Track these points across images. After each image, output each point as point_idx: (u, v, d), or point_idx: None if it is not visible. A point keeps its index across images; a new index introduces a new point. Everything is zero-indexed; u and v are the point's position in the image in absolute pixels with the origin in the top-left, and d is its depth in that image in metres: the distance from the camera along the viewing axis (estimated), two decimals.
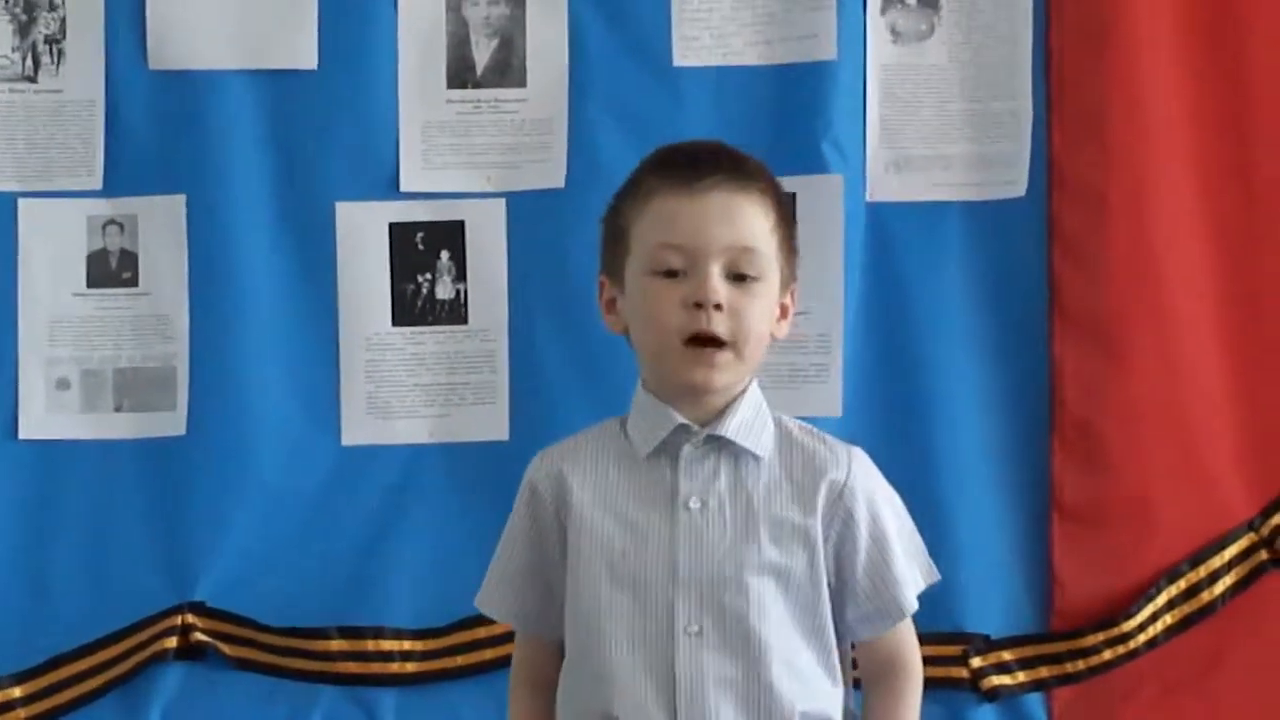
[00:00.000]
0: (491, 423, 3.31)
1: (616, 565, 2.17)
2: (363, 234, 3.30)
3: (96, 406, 3.30)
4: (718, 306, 2.13)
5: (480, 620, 3.09)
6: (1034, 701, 3.29)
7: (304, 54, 3.28)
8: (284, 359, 3.29)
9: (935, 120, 3.33)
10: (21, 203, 3.29)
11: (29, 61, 3.29)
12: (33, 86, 3.30)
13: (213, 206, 3.29)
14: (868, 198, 3.31)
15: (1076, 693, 3.29)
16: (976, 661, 3.27)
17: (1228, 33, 3.33)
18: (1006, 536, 3.31)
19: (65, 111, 3.29)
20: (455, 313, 3.32)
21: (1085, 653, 3.28)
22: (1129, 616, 3.27)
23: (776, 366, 3.22)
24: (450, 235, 3.31)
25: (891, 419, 3.28)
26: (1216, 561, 3.30)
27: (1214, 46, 3.32)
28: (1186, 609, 3.30)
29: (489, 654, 3.18)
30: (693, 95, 3.29)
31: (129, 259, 3.30)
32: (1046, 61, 3.32)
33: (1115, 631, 3.27)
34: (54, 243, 3.29)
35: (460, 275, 3.31)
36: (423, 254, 3.31)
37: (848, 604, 2.21)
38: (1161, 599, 3.29)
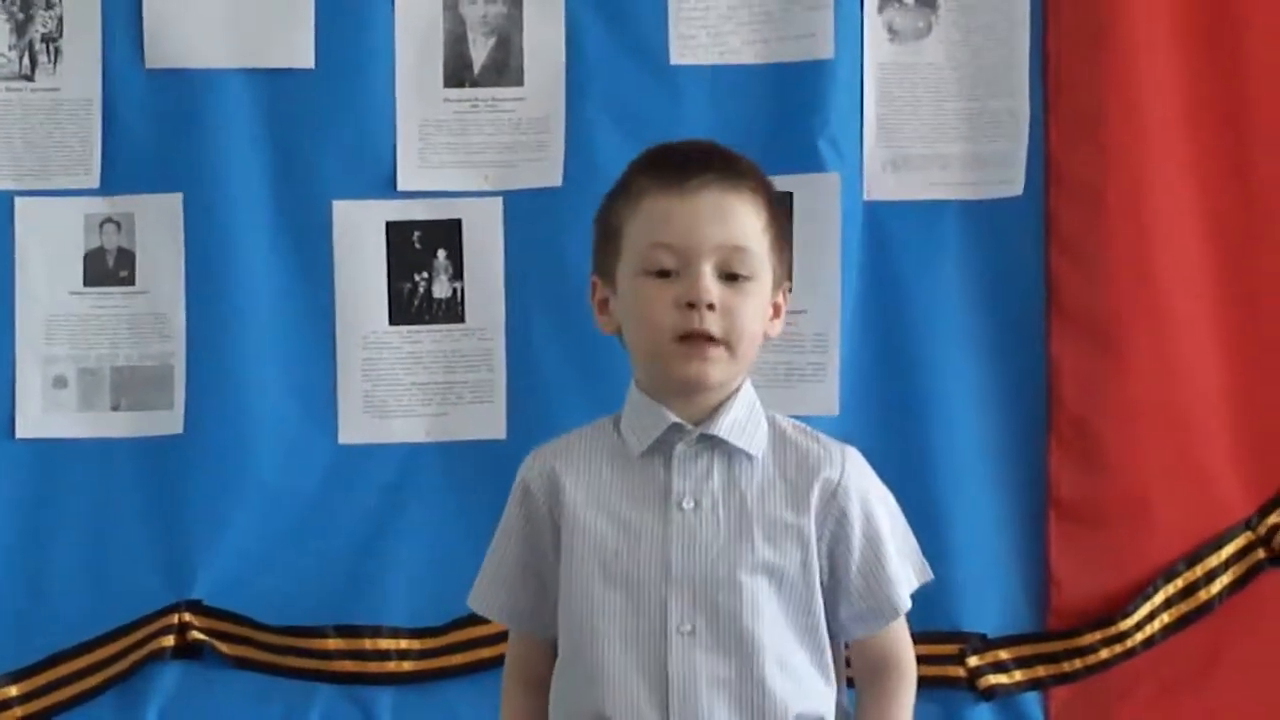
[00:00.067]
0: (489, 421, 3.31)
1: (609, 564, 2.17)
2: (360, 233, 3.30)
3: (93, 405, 3.30)
4: (710, 306, 2.13)
5: (477, 619, 3.07)
6: (1031, 700, 3.29)
7: (301, 53, 3.28)
8: (281, 358, 3.29)
9: (932, 119, 3.32)
10: (18, 201, 3.29)
11: (26, 60, 3.29)
12: (30, 85, 3.30)
13: (210, 205, 3.28)
14: (865, 196, 3.31)
15: (1073, 692, 3.29)
16: (973, 660, 3.26)
17: (1225, 32, 3.32)
18: (1003, 535, 3.31)
19: (62, 110, 3.29)
20: (452, 311, 3.32)
21: (1082, 652, 3.28)
22: (1126, 615, 3.27)
23: (773, 365, 3.23)
24: (447, 234, 3.31)
25: (889, 418, 3.28)
26: (1214, 560, 3.30)
27: (1211, 45, 3.32)
28: (1184, 608, 3.30)
29: (486, 653, 3.18)
30: (690, 94, 3.29)
31: (126, 257, 3.30)
32: (1044, 60, 3.32)
33: (1112, 630, 3.27)
34: (51, 241, 3.29)
35: (457, 274, 3.31)
36: (420, 253, 3.31)
37: (841, 603, 2.21)
38: (1159, 598, 3.28)
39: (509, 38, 3.31)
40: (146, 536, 3.27)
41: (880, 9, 3.32)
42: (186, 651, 3.24)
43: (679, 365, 2.15)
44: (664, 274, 2.15)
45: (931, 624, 3.17)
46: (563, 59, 3.31)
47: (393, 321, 3.31)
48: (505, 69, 3.32)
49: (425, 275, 3.31)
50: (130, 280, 3.30)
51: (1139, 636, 3.27)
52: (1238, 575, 3.31)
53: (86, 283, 3.30)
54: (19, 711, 3.22)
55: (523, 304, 3.31)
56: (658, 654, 2.14)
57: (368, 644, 3.25)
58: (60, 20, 3.29)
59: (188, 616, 3.24)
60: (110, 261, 3.30)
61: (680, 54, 3.30)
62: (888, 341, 3.31)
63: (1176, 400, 3.30)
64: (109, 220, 3.30)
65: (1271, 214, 3.32)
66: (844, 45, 3.29)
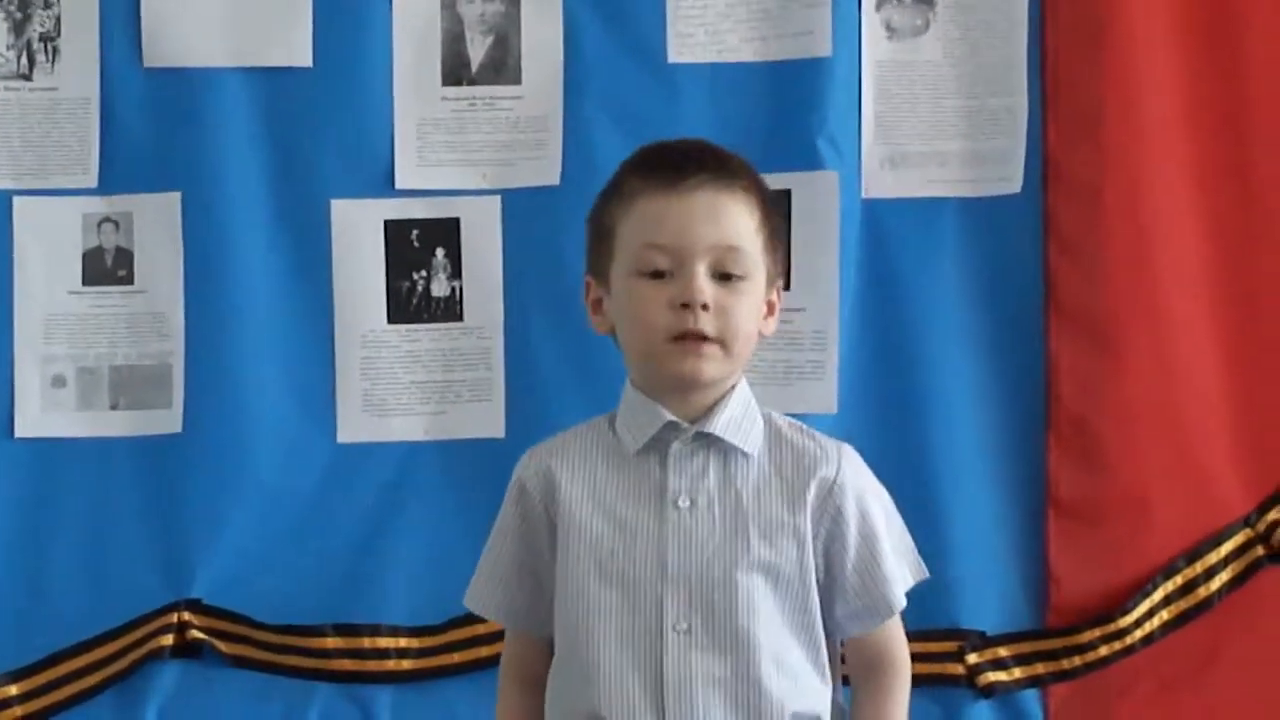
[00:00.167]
0: (487, 420, 3.31)
1: (605, 563, 2.17)
2: (358, 231, 3.30)
3: (92, 404, 3.30)
4: (704, 306, 2.13)
5: (476, 618, 3.07)
6: (1030, 698, 3.29)
7: (299, 51, 3.28)
8: (279, 356, 3.29)
9: (930, 116, 3.32)
10: (17, 201, 3.29)
11: (24, 59, 3.30)
12: (28, 84, 3.30)
13: (208, 204, 3.29)
14: (863, 194, 3.31)
15: (1073, 689, 3.29)
16: (972, 658, 3.26)
17: (1224, 30, 3.32)
18: (1002, 533, 3.31)
19: (60, 109, 3.29)
20: (450, 310, 3.32)
21: (1081, 649, 3.28)
22: (1125, 613, 3.27)
23: (772, 364, 3.23)
24: (445, 232, 3.31)
25: (887, 416, 3.28)
26: (1213, 557, 3.30)
27: (1210, 43, 3.32)
28: (1183, 605, 3.30)
29: (485, 651, 3.18)
30: (688, 92, 3.29)
31: (124, 256, 3.30)
32: (1042, 58, 3.32)
33: (1111, 628, 3.27)
34: (49, 240, 3.29)
35: (455, 272, 3.31)
36: (418, 251, 3.31)
37: (836, 601, 2.21)
38: (1158, 595, 3.28)
39: (507, 36, 3.31)
40: (145, 535, 3.27)
41: (878, 7, 3.32)
42: (185, 650, 3.24)
43: (673, 363, 2.15)
44: (658, 274, 2.15)
45: (931, 621, 3.18)
46: (560, 58, 3.31)
47: (391, 320, 3.31)
48: (503, 68, 3.32)
49: (424, 274, 3.31)
50: (129, 279, 3.31)
51: (1138, 634, 3.27)
52: (1237, 572, 3.31)
53: (85, 282, 3.30)
54: (18, 711, 3.22)
55: (521, 302, 3.31)
56: (653, 653, 2.14)
57: (367, 643, 3.25)
58: (58, 20, 3.29)
59: (187, 615, 3.24)
60: (109, 261, 3.31)
61: (678, 52, 3.30)
62: (886, 339, 3.31)
63: (1175, 398, 3.30)
64: (107, 219, 3.30)
65: (1270, 212, 3.32)
66: (842, 43, 3.29)
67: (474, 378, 3.31)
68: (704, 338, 2.14)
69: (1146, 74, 3.29)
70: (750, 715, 2.14)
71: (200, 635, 3.23)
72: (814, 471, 2.20)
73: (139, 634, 3.24)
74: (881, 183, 3.31)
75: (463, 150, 3.31)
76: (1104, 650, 3.27)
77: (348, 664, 3.25)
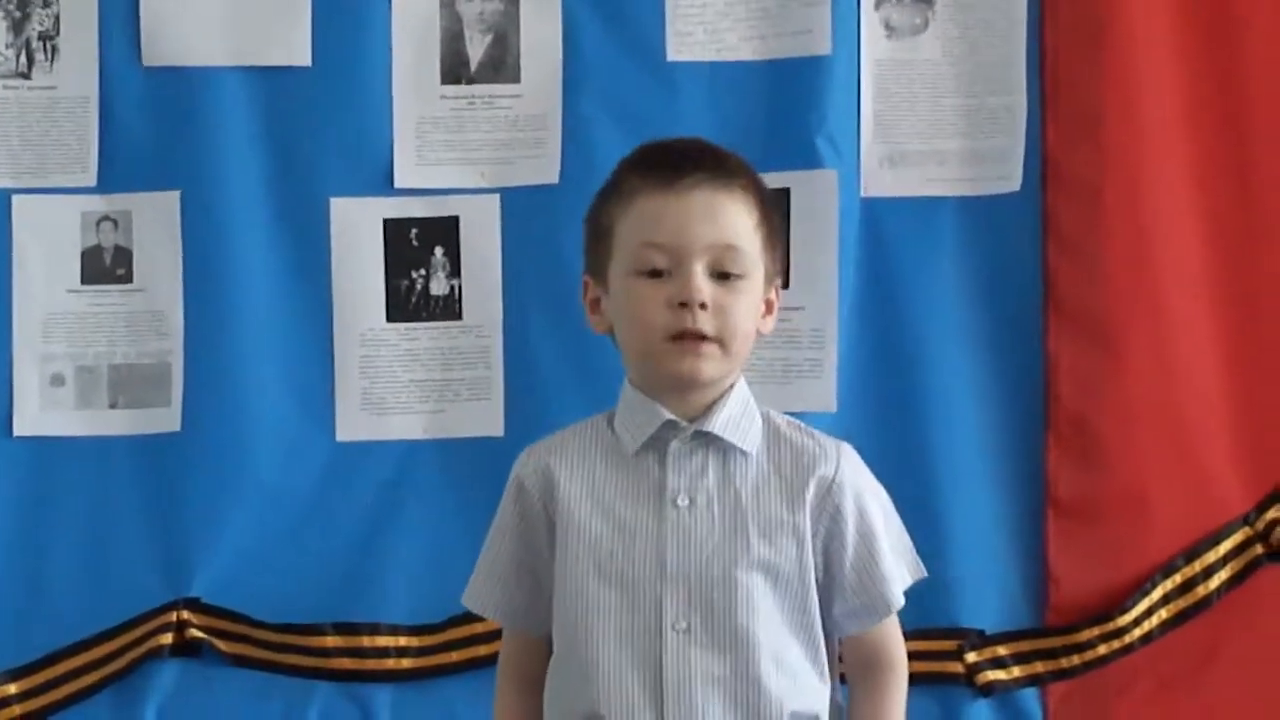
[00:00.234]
0: (486, 419, 3.31)
1: (604, 562, 2.17)
2: (357, 230, 3.30)
3: (91, 403, 3.30)
4: (703, 305, 2.13)
5: (475, 617, 3.06)
6: (1029, 696, 3.29)
7: (298, 50, 3.28)
8: (278, 355, 3.29)
9: (930, 115, 3.32)
10: (16, 199, 3.29)
11: (23, 58, 3.30)
12: (27, 83, 3.30)
13: (207, 203, 3.29)
14: (862, 193, 3.30)
15: (1072, 688, 3.29)
16: (971, 656, 3.26)
17: (1224, 29, 3.32)
18: (1001, 532, 3.31)
19: (59, 108, 3.29)
20: (450, 308, 3.32)
21: (1080, 648, 3.28)
22: (1124, 611, 3.27)
23: (771, 362, 3.23)
24: (445, 231, 3.31)
25: (886, 414, 3.28)
26: (1212, 556, 3.30)
27: (1210, 42, 3.32)
28: (1182, 604, 3.29)
29: (484, 650, 3.18)
30: (687, 91, 3.29)
31: (123, 255, 3.30)
32: (1041, 56, 3.31)
33: (1110, 626, 3.27)
34: (48, 239, 3.29)
35: (455, 271, 3.31)
36: (417, 250, 3.31)
37: (835, 599, 2.21)
38: (1157, 594, 3.28)
39: (506, 35, 3.31)
40: (144, 534, 3.27)
41: (877, 5, 3.32)
42: (185, 649, 3.24)
43: (672, 362, 2.16)
44: (656, 274, 2.15)
45: (930, 620, 3.18)
46: (560, 56, 3.31)
47: (390, 319, 3.31)
48: (502, 66, 3.32)
49: (423, 272, 3.31)
50: (128, 278, 3.30)
51: (1137, 632, 3.27)
52: (1236, 571, 3.31)
53: (84, 281, 3.30)
54: (17, 709, 3.22)
55: (520, 301, 3.31)
56: (653, 652, 2.14)
57: (366, 641, 3.25)
58: (57, 18, 3.29)
59: (186, 614, 3.24)
60: (107, 259, 3.31)
61: (677, 51, 3.30)
62: (885, 338, 3.30)
63: (1174, 397, 3.30)
64: (106, 218, 3.30)
65: (1270, 211, 3.32)
66: (841, 41, 3.28)
67: (473, 376, 3.31)
68: (702, 337, 2.14)
69: (1146, 73, 3.29)
70: (749, 714, 2.14)
71: (199, 634, 3.23)
72: (813, 470, 2.20)
73: (138, 633, 3.24)
74: (880, 181, 3.31)
75: (462, 149, 3.31)
76: (1103, 649, 3.27)
77: (347, 663, 3.25)
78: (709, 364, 2.16)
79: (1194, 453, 3.31)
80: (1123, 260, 3.29)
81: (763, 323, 2.22)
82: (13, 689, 3.23)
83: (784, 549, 2.17)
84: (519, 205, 3.30)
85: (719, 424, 2.18)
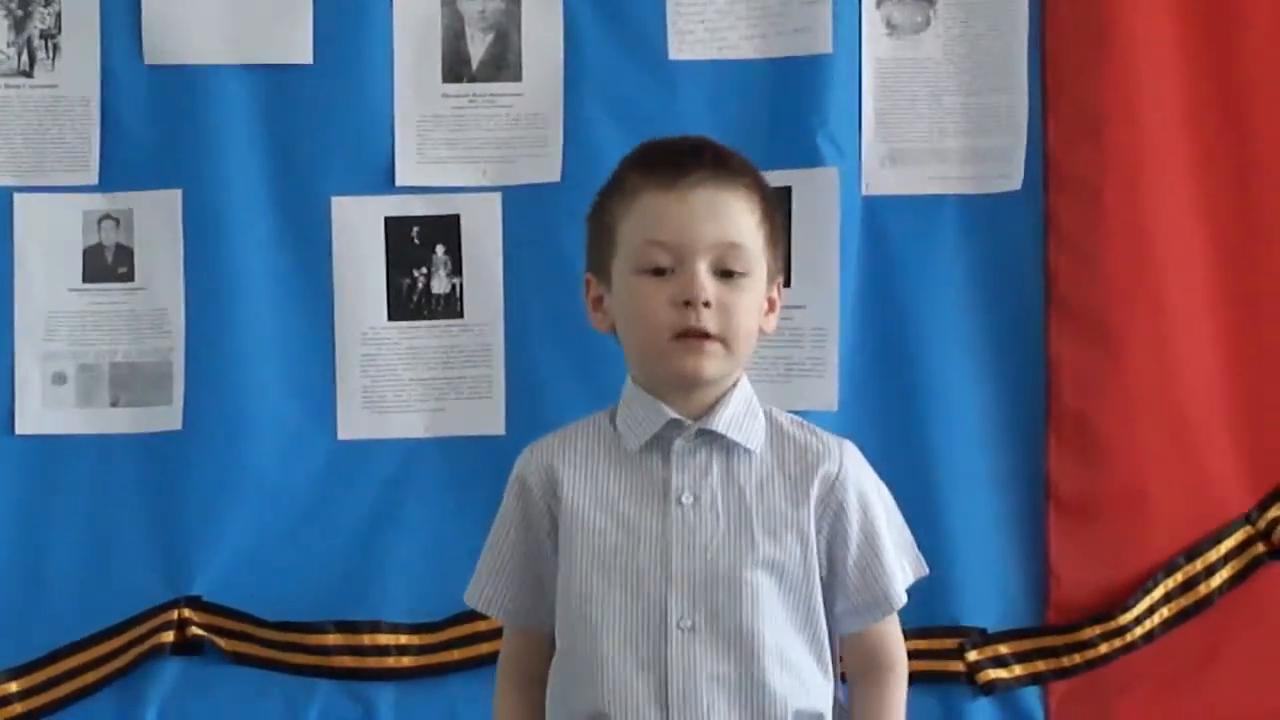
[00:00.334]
0: (487, 417, 3.31)
1: (609, 560, 2.17)
2: (358, 228, 3.30)
3: (93, 401, 3.30)
4: (706, 304, 2.13)
5: (477, 615, 3.06)
6: (1030, 695, 3.29)
7: (299, 49, 3.28)
8: (280, 353, 3.29)
9: (931, 114, 3.32)
10: (17, 198, 3.29)
11: (25, 56, 3.30)
12: (28, 82, 3.30)
13: (208, 201, 3.29)
14: (863, 191, 3.30)
15: (1073, 686, 3.29)
16: (973, 655, 3.26)
17: (1225, 28, 3.32)
18: (1002, 530, 3.31)
19: (61, 106, 3.29)
20: (451, 307, 3.32)
21: (1082, 646, 3.28)
22: (1125, 610, 3.27)
23: (773, 361, 3.23)
24: (446, 229, 3.31)
25: (888, 413, 3.28)
26: (1213, 555, 3.30)
27: (1211, 41, 3.32)
28: (1183, 602, 3.29)
29: (485, 648, 3.18)
30: (688, 89, 3.29)
31: (125, 254, 3.30)
32: (1042, 55, 3.32)
33: (1112, 625, 3.27)
34: (50, 238, 3.29)
35: (456, 269, 3.31)
36: (418, 248, 3.31)
37: (838, 597, 2.21)
38: (1158, 592, 3.28)
39: (507, 33, 3.31)
40: (146, 533, 3.27)
41: (878, 4, 3.32)
42: (186, 647, 3.24)
43: (675, 361, 2.16)
44: (659, 272, 2.15)
45: (931, 619, 3.18)
46: (561, 55, 3.31)
47: (391, 317, 3.31)
48: (503, 64, 3.32)
49: (424, 271, 3.31)
50: (129, 276, 3.31)
51: (1138, 631, 3.27)
52: (1237, 569, 3.31)
53: (85, 279, 3.30)
54: (19, 708, 3.22)
55: (521, 299, 3.31)
56: (658, 650, 2.14)
57: (367, 639, 3.25)
58: (59, 17, 3.29)
59: (187, 612, 3.24)
60: (109, 258, 3.31)
61: (678, 49, 3.30)
62: (886, 337, 3.30)
63: (1175, 395, 3.30)
64: (108, 217, 3.30)
65: (1270, 210, 3.32)
66: (842, 40, 3.29)
67: (474, 374, 3.31)
68: (706, 335, 2.14)
69: (1148, 72, 3.29)
70: (754, 712, 2.14)
71: (200, 632, 3.23)
72: (817, 467, 2.20)
73: (139, 631, 3.24)
74: (882, 180, 3.31)
75: (463, 147, 3.31)
76: (1104, 647, 3.27)
77: (348, 661, 3.25)
78: (712, 362, 2.16)
79: (1195, 451, 3.31)
80: (1124, 259, 3.29)
81: (765, 321, 2.22)
82: (14, 687, 3.23)
83: (788, 547, 2.17)
84: (520, 204, 3.31)
85: (722, 422, 2.18)
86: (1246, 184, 3.32)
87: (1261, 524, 3.31)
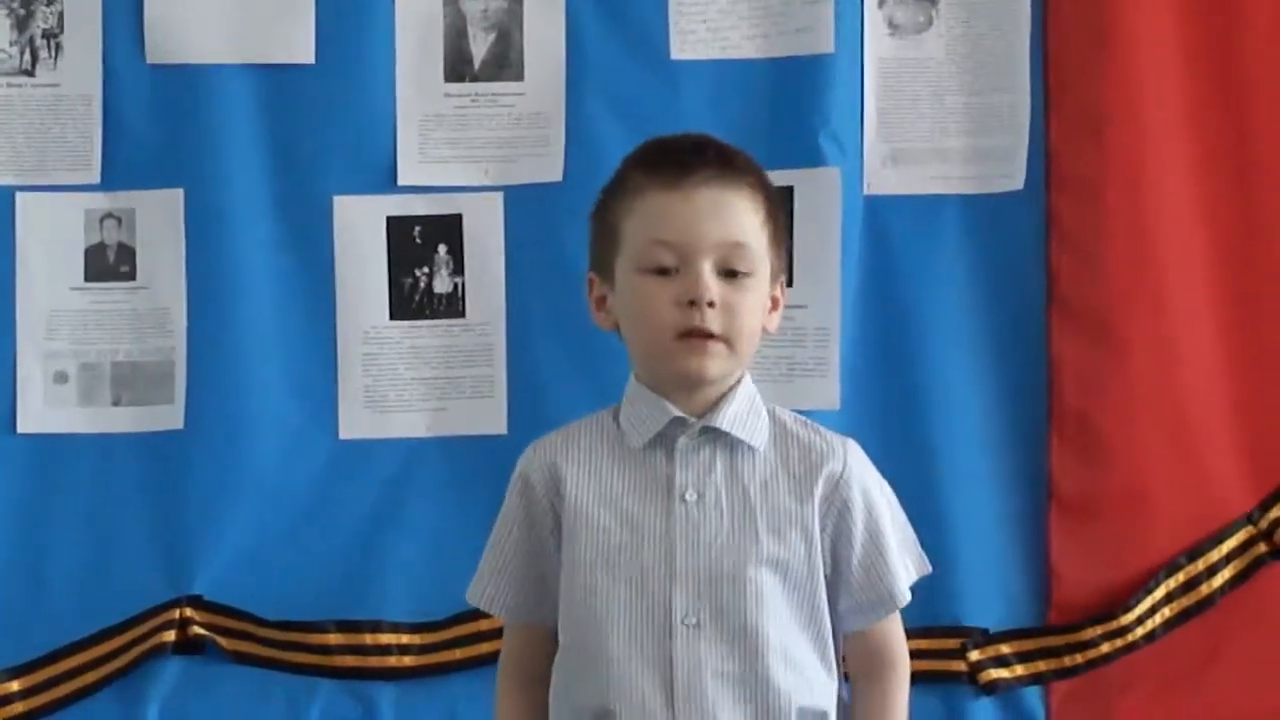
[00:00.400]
0: (489, 416, 3.31)
1: (613, 557, 2.17)
2: (360, 228, 3.30)
3: (94, 400, 3.30)
4: (711, 304, 2.13)
5: (478, 614, 3.06)
6: (1032, 695, 3.29)
7: (301, 48, 3.28)
8: (281, 353, 3.29)
9: (933, 113, 3.32)
10: (19, 197, 3.29)
11: (27, 55, 3.30)
12: (30, 80, 3.30)
13: (210, 200, 3.28)
14: (865, 191, 3.30)
15: (1074, 686, 3.29)
16: (974, 655, 3.26)
17: (1227, 27, 3.32)
18: (1004, 530, 3.31)
19: (63, 105, 3.29)
20: (453, 306, 3.32)
21: (1083, 646, 3.27)
22: (1127, 610, 3.27)
23: (775, 361, 3.23)
24: (448, 229, 3.31)
25: (889, 412, 3.27)
26: (1215, 555, 3.30)
27: (1213, 41, 3.32)
28: (1185, 602, 3.29)
29: (486, 648, 3.18)
30: (690, 89, 3.29)
31: (126, 253, 3.30)
32: (1045, 54, 3.31)
33: (1113, 625, 3.27)
34: (52, 237, 3.29)
35: (458, 269, 3.31)
36: (420, 247, 3.31)
37: (842, 595, 2.21)
38: (1160, 592, 3.28)
39: (509, 33, 3.31)
40: (147, 532, 3.27)
41: (880, 3, 3.32)
42: (187, 647, 3.24)
43: (679, 361, 2.16)
44: (663, 271, 2.15)
45: (932, 618, 3.18)
46: (563, 54, 3.31)
47: (393, 316, 3.31)
48: (505, 64, 3.32)
49: (426, 270, 3.31)
50: (131, 276, 3.31)
51: (1140, 631, 3.27)
52: (1239, 569, 3.31)
53: (87, 278, 3.30)
54: (20, 707, 3.22)
55: (523, 299, 3.31)
56: (662, 646, 2.15)
57: (368, 639, 3.25)
58: (61, 16, 3.29)
59: (188, 612, 3.24)
60: (111, 257, 3.31)
61: (680, 49, 3.30)
62: (888, 336, 3.30)
63: (1177, 395, 3.30)
64: (110, 216, 3.30)
65: (1272, 209, 3.32)
66: (844, 40, 3.29)
67: (476, 374, 3.31)
68: (710, 335, 2.14)
69: (1150, 72, 3.29)
70: (759, 709, 2.14)
71: (202, 631, 3.23)
72: (821, 466, 2.20)
73: (140, 630, 3.24)
74: (884, 179, 3.31)
75: (465, 146, 3.31)
76: (1106, 647, 3.27)
77: (349, 660, 3.25)
78: (716, 362, 2.16)
79: (1197, 451, 3.31)
80: (1125, 258, 3.29)
81: (768, 319, 2.22)
82: (15, 686, 3.23)
83: (793, 544, 2.17)
84: (522, 203, 3.30)
85: (726, 420, 2.18)
86: (1248, 184, 3.31)
87: (1263, 524, 3.31)
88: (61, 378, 3.29)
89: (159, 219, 3.29)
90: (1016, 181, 3.31)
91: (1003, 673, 3.27)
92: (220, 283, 3.29)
